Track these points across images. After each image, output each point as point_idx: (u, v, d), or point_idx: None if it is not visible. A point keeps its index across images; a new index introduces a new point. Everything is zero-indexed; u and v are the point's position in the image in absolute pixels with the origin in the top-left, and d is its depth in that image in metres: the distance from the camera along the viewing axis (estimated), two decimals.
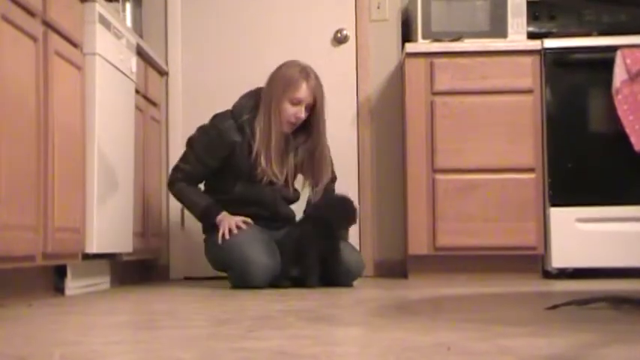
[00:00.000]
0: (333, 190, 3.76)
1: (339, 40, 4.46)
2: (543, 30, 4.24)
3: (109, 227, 3.28)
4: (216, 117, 3.57)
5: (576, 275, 3.93)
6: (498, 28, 4.10)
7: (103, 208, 3.20)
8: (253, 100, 3.55)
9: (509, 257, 4.00)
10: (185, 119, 4.41)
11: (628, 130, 3.78)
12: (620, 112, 3.80)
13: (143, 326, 2.04)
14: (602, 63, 3.89)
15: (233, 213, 3.53)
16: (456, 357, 1.39)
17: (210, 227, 3.57)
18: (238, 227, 3.49)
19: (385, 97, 4.44)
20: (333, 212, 3.42)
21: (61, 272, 3.02)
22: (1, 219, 2.37)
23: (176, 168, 3.63)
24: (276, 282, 3.45)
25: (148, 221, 4.01)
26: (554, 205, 3.94)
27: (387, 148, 4.40)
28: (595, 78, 3.96)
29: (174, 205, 4.18)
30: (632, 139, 3.77)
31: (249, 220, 3.53)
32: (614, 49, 3.87)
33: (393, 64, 4.45)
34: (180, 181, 3.60)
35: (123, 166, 3.50)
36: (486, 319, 2.08)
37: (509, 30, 4.10)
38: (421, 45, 4.09)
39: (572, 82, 3.99)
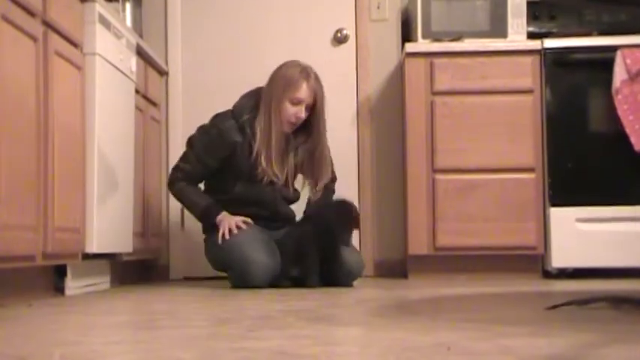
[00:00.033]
0: (333, 191, 3.76)
1: (339, 39, 4.46)
2: (543, 30, 4.24)
3: (109, 227, 3.28)
4: (216, 117, 3.57)
5: (576, 275, 3.93)
6: (498, 28, 4.10)
7: (103, 208, 3.20)
8: (254, 100, 3.55)
9: (509, 257, 4.00)
10: (185, 119, 4.41)
11: (628, 130, 3.78)
12: (620, 112, 3.81)
13: (143, 326, 2.04)
14: (602, 63, 3.90)
15: (233, 213, 3.53)
16: (456, 357, 1.39)
17: (210, 227, 3.57)
18: (238, 227, 3.49)
19: (385, 97, 4.44)
20: (335, 217, 3.41)
21: (61, 272, 3.02)
22: (1, 219, 2.37)
23: (176, 168, 3.63)
24: (276, 282, 3.45)
25: (147, 221, 4.01)
26: (554, 205, 3.94)
27: (387, 148, 4.40)
28: (595, 78, 3.96)
29: (174, 205, 4.18)
30: (632, 139, 3.77)
31: (249, 220, 3.53)
32: (614, 49, 3.87)
33: (393, 64, 4.45)
34: (180, 180, 3.60)
35: (123, 166, 3.49)
36: (486, 319, 2.08)
37: (510, 30, 4.10)
38: (421, 45, 4.09)
39: (572, 82, 3.99)
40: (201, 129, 3.59)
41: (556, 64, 4.00)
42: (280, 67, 3.57)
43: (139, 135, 3.83)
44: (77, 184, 3.03)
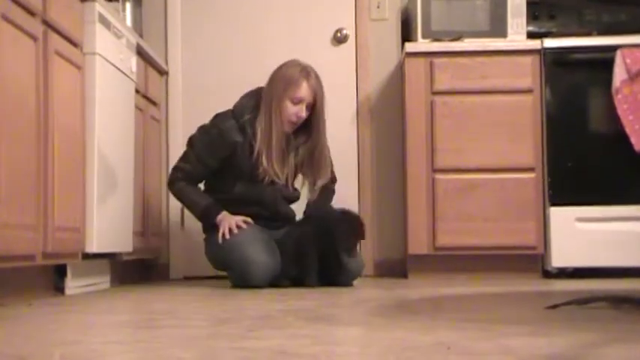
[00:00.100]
0: (333, 191, 3.76)
1: (339, 39, 4.46)
2: (543, 30, 4.24)
3: (108, 227, 3.28)
4: (217, 117, 3.57)
5: (576, 275, 3.93)
6: (498, 28, 4.10)
7: (103, 207, 3.20)
8: (254, 100, 3.55)
9: (509, 257, 4.00)
10: (185, 119, 4.41)
11: (628, 130, 3.78)
12: (619, 112, 3.80)
13: (143, 325, 2.04)
14: (602, 63, 3.89)
15: (233, 212, 3.53)
16: (456, 356, 1.39)
17: (211, 227, 3.57)
18: (238, 227, 3.49)
19: (385, 97, 4.44)
20: (340, 227, 3.40)
21: (61, 272, 3.02)
22: (1, 218, 2.37)
23: (176, 167, 3.63)
24: (276, 281, 3.46)
25: (147, 221, 4.01)
26: (554, 204, 3.94)
27: (387, 148, 4.40)
28: (595, 78, 3.96)
29: (174, 204, 4.18)
30: (632, 139, 3.77)
31: (249, 219, 3.53)
32: (614, 48, 3.86)
33: (393, 64, 4.45)
34: (180, 180, 3.60)
35: (123, 166, 3.49)
36: (486, 318, 2.08)
37: (509, 30, 4.10)
38: (421, 44, 4.09)
39: (572, 82, 3.99)
40: (202, 129, 3.59)
41: (556, 63, 4.00)
42: (280, 67, 3.57)
43: (139, 135, 3.83)
44: (77, 183, 3.03)
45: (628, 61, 3.81)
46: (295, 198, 3.69)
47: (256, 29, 4.49)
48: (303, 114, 3.52)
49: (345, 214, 3.49)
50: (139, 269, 4.11)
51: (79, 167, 3.05)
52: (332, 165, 3.72)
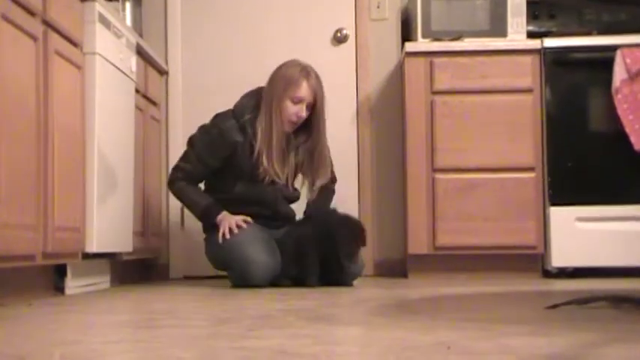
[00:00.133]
0: (333, 191, 3.76)
1: (339, 39, 4.46)
2: (543, 29, 4.24)
3: (109, 227, 3.28)
4: (217, 116, 3.57)
5: (576, 274, 3.93)
6: (498, 28, 4.10)
7: (103, 207, 3.20)
8: (254, 100, 3.55)
9: (509, 256, 4.00)
10: (185, 119, 4.41)
11: (628, 130, 3.78)
12: (619, 112, 3.80)
13: (143, 325, 2.04)
14: (602, 62, 3.89)
15: (233, 212, 3.53)
16: (456, 356, 1.39)
17: (211, 227, 3.57)
18: (239, 226, 3.49)
19: (385, 97, 4.44)
20: (341, 232, 3.40)
21: (61, 271, 3.02)
22: (1, 218, 2.37)
23: (176, 167, 3.63)
24: (277, 281, 3.46)
25: (147, 220, 4.01)
26: (554, 204, 3.94)
27: (387, 148, 4.40)
28: (595, 77, 3.96)
29: (174, 204, 4.18)
30: (632, 139, 3.77)
31: (249, 219, 3.53)
32: (614, 48, 3.86)
33: (393, 64, 4.45)
34: (180, 180, 3.60)
35: (123, 166, 3.49)
36: (486, 318, 2.08)
37: (509, 29, 4.10)
38: (421, 44, 4.09)
39: (572, 82, 3.99)
40: (202, 129, 3.59)
41: (556, 63, 4.00)
42: (280, 67, 3.57)
43: (139, 135, 3.83)
44: (77, 183, 3.03)
45: (628, 60, 3.81)
46: (295, 198, 3.69)
47: (256, 29, 4.49)
48: (304, 114, 3.52)
49: (346, 219, 3.49)
50: (139, 269, 4.11)
51: (79, 167, 3.05)
52: (332, 165, 3.72)
